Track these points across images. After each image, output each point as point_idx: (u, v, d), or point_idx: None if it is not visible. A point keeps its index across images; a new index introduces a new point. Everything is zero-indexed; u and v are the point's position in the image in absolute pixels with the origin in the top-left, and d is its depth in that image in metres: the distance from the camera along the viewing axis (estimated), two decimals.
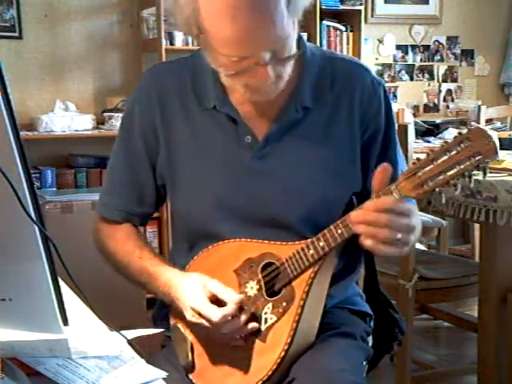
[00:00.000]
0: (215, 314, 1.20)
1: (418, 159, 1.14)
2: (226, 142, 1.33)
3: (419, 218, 1.20)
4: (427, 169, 1.11)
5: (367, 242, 1.14)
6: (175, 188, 1.38)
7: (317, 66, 1.34)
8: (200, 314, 1.22)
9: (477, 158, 1.07)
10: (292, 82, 1.29)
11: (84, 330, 1.03)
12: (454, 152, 1.09)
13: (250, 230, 1.30)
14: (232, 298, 1.23)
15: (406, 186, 1.14)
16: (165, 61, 1.21)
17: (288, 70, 1.23)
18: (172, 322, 1.36)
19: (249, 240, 1.29)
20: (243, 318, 1.23)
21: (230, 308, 1.21)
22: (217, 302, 1.23)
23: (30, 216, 0.79)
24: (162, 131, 1.36)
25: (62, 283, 0.89)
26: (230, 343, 1.26)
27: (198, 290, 1.24)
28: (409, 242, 1.17)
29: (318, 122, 1.33)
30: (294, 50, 1.21)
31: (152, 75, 1.41)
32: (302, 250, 1.22)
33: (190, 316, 1.24)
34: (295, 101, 1.31)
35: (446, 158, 1.10)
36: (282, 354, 1.21)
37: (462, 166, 1.08)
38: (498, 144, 1.07)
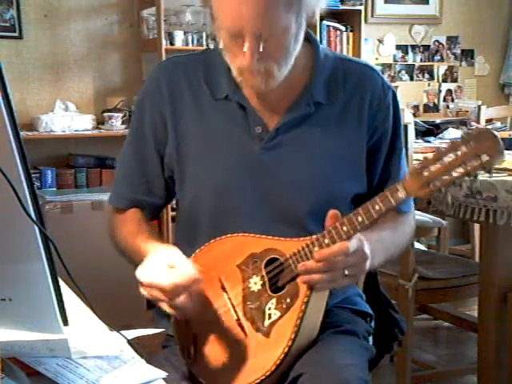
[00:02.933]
0: (165, 280, 1.14)
1: (425, 158, 1.13)
2: (236, 132, 1.34)
3: (367, 248, 1.20)
4: (434, 168, 1.10)
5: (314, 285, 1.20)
6: (183, 178, 1.38)
7: (330, 64, 1.37)
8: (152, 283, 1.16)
9: (483, 159, 1.07)
10: (305, 76, 1.32)
11: (84, 330, 1.03)
12: (461, 151, 1.08)
13: (257, 222, 1.31)
14: (186, 271, 1.17)
15: (412, 185, 1.13)
16: (177, 55, 1.25)
17: (284, 71, 1.25)
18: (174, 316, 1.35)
19: (252, 235, 1.29)
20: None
21: (179, 279, 1.15)
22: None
23: (29, 216, 0.79)
24: (171, 121, 1.38)
25: (62, 283, 0.89)
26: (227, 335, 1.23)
27: (159, 260, 1.19)
28: (360, 272, 1.23)
29: (328, 118, 1.34)
30: (290, 50, 1.24)
31: (163, 67, 1.44)
32: (307, 246, 1.22)
33: (141, 278, 1.18)
34: (307, 95, 1.33)
35: (452, 157, 1.09)
36: (286, 349, 1.21)
37: (468, 166, 1.08)
38: (503, 146, 1.06)
